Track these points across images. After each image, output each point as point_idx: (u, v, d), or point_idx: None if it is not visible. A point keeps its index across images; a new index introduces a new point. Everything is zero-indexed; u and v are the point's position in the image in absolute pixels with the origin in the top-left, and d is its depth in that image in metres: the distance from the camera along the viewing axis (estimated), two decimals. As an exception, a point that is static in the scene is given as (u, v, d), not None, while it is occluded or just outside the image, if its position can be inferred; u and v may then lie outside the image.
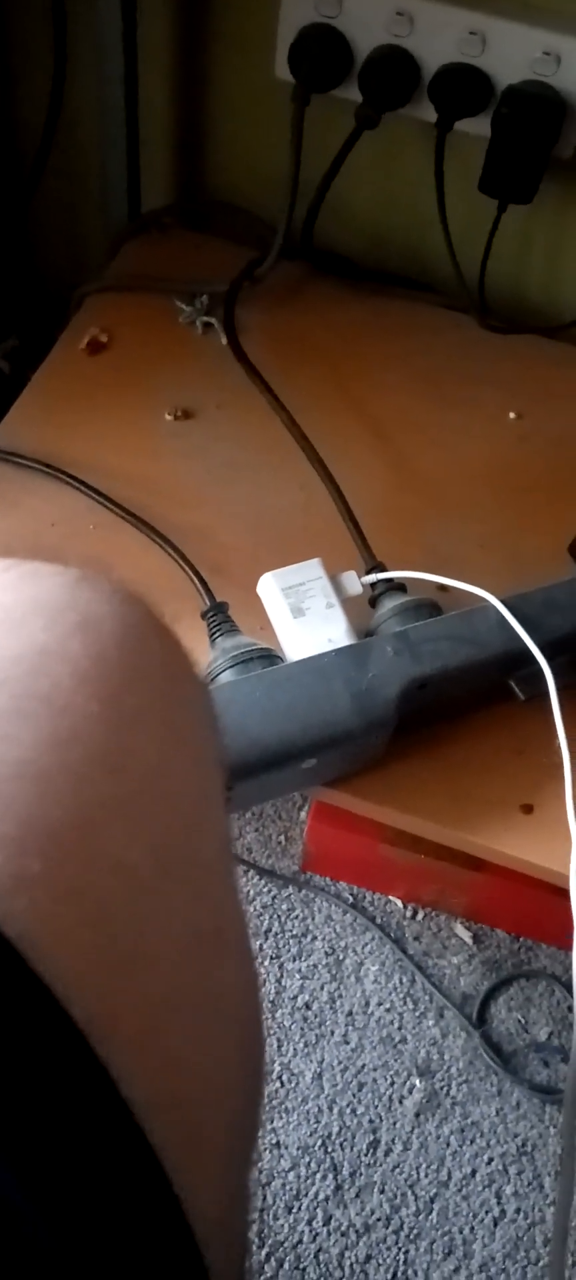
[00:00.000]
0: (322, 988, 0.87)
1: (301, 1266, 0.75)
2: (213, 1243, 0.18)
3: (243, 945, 0.25)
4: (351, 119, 0.79)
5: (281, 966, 0.87)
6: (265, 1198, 0.77)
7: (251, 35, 0.85)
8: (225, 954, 0.23)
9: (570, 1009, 0.87)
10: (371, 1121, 0.81)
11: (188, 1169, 0.18)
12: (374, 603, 0.64)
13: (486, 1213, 0.78)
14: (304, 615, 0.61)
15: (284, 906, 0.91)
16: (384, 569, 0.65)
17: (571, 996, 0.87)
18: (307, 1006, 0.86)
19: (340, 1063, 0.83)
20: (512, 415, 0.82)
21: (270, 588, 0.62)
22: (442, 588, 0.64)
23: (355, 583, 0.63)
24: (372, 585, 0.64)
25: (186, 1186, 0.17)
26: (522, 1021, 0.87)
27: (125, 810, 0.21)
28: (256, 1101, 0.25)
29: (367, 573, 0.64)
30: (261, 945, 0.88)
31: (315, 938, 0.89)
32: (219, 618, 0.62)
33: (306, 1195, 0.77)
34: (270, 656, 0.59)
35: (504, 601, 0.59)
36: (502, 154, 0.78)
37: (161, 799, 0.23)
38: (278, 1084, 0.82)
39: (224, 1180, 0.21)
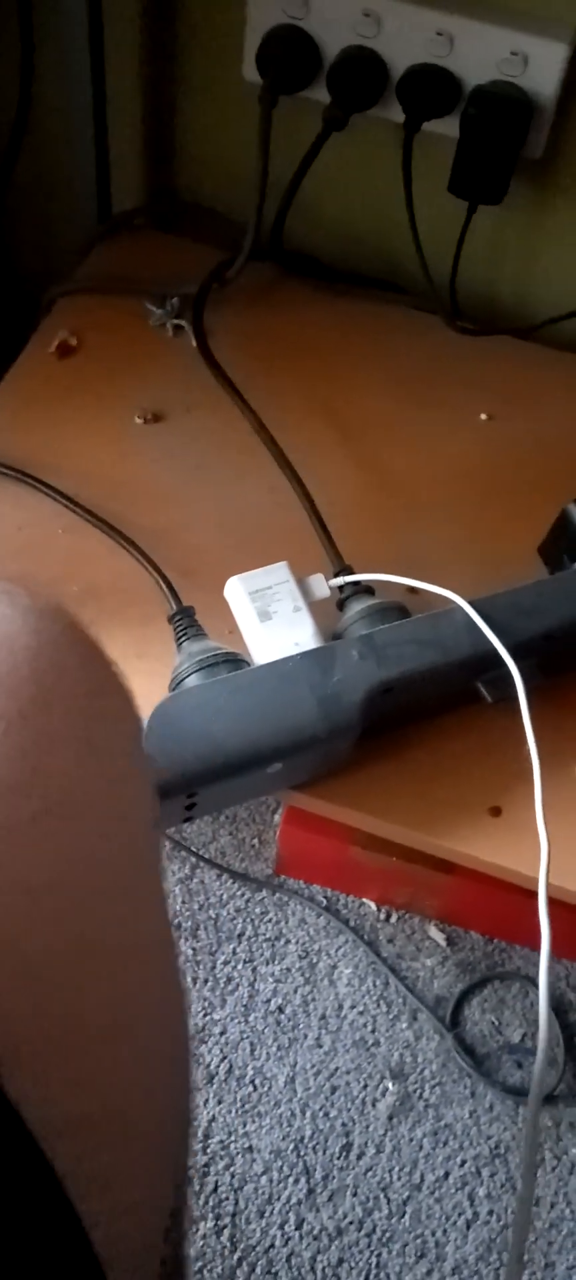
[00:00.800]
0: (296, 991, 0.86)
1: (273, 1271, 0.75)
2: (120, 1265, 0.18)
3: (165, 965, 0.25)
4: (320, 120, 0.79)
5: (254, 970, 0.87)
6: (237, 1202, 0.77)
7: (219, 37, 0.85)
8: (140, 976, 0.23)
9: (543, 1010, 0.87)
10: (344, 1125, 0.81)
11: (93, 1195, 0.17)
12: (342, 606, 0.64)
13: (459, 1215, 0.78)
14: (271, 619, 0.60)
15: (257, 910, 0.90)
16: (352, 572, 0.65)
17: (544, 997, 0.88)
18: (281, 1010, 0.85)
19: (313, 1066, 0.83)
20: (484, 416, 0.82)
21: (237, 591, 0.61)
22: (411, 590, 0.64)
23: (323, 586, 0.63)
24: (340, 588, 0.64)
25: (91, 1211, 0.17)
26: (496, 1023, 0.87)
27: (31, 832, 0.21)
28: (179, 1123, 0.24)
29: (335, 576, 0.64)
30: (235, 949, 0.88)
31: (288, 941, 0.89)
32: (185, 621, 0.62)
33: (278, 1199, 0.77)
34: (236, 660, 0.58)
35: (472, 604, 0.59)
36: (471, 155, 0.78)
37: (71, 819, 0.22)
38: (250, 1088, 0.81)
39: (138, 1204, 0.20)
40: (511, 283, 0.92)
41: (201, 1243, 0.75)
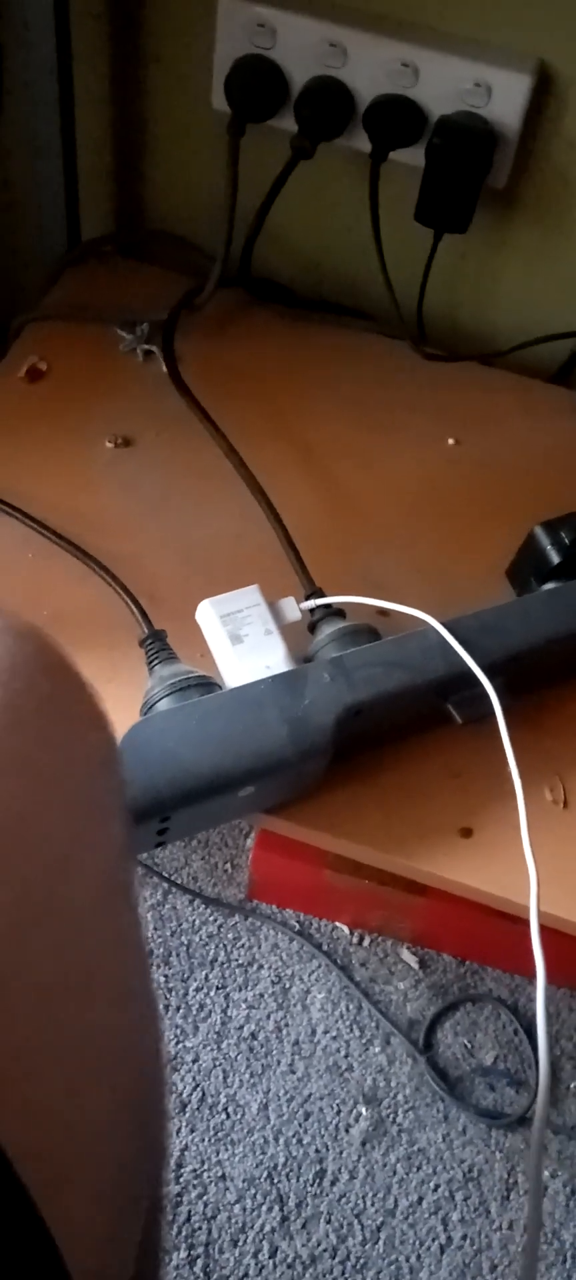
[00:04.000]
0: (269, 1017, 0.86)
1: (247, 1302, 0.74)
2: None
3: (128, 989, 0.25)
4: (287, 149, 0.80)
5: (227, 997, 0.87)
6: (211, 1231, 0.76)
7: (188, 66, 0.85)
8: (97, 1001, 0.23)
9: (515, 1032, 0.87)
10: (317, 1151, 0.80)
11: (54, 1218, 0.17)
12: (313, 629, 0.64)
13: (433, 1240, 0.78)
14: (242, 642, 0.60)
15: (230, 935, 0.90)
16: (322, 594, 0.65)
17: (516, 1020, 0.88)
18: (254, 1036, 0.85)
19: (286, 1093, 0.82)
20: (451, 441, 0.83)
21: (208, 615, 0.61)
22: (382, 612, 0.64)
23: (293, 609, 0.63)
24: (311, 611, 0.64)
25: (60, 1236, 0.17)
26: (469, 1046, 0.87)
27: None
28: (151, 1152, 0.24)
29: (306, 599, 0.64)
30: (207, 976, 0.88)
31: (261, 966, 0.89)
32: (156, 645, 0.62)
33: (252, 1228, 0.77)
34: (208, 684, 0.58)
35: (444, 624, 0.59)
36: (437, 184, 0.79)
37: (22, 846, 0.22)
38: (223, 1116, 0.81)
39: (101, 1227, 0.20)
40: (476, 309, 0.93)
41: (175, 1273, 0.74)
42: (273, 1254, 0.76)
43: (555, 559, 0.66)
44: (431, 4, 0.77)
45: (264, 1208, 0.78)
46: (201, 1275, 0.75)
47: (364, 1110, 0.82)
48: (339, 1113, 0.82)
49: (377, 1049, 0.86)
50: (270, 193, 0.82)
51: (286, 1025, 0.86)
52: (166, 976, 0.87)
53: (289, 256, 0.94)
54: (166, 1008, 0.85)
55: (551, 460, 0.82)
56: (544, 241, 0.87)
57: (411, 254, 0.85)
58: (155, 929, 0.89)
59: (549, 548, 0.66)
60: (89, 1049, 0.22)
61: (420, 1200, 0.79)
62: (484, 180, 0.80)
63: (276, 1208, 0.78)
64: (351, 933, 0.91)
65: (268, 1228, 0.77)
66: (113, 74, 0.89)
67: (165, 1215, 0.76)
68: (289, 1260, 0.76)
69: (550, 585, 0.66)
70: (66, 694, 0.27)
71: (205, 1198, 0.78)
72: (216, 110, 0.82)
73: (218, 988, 0.87)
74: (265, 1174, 0.79)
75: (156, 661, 0.61)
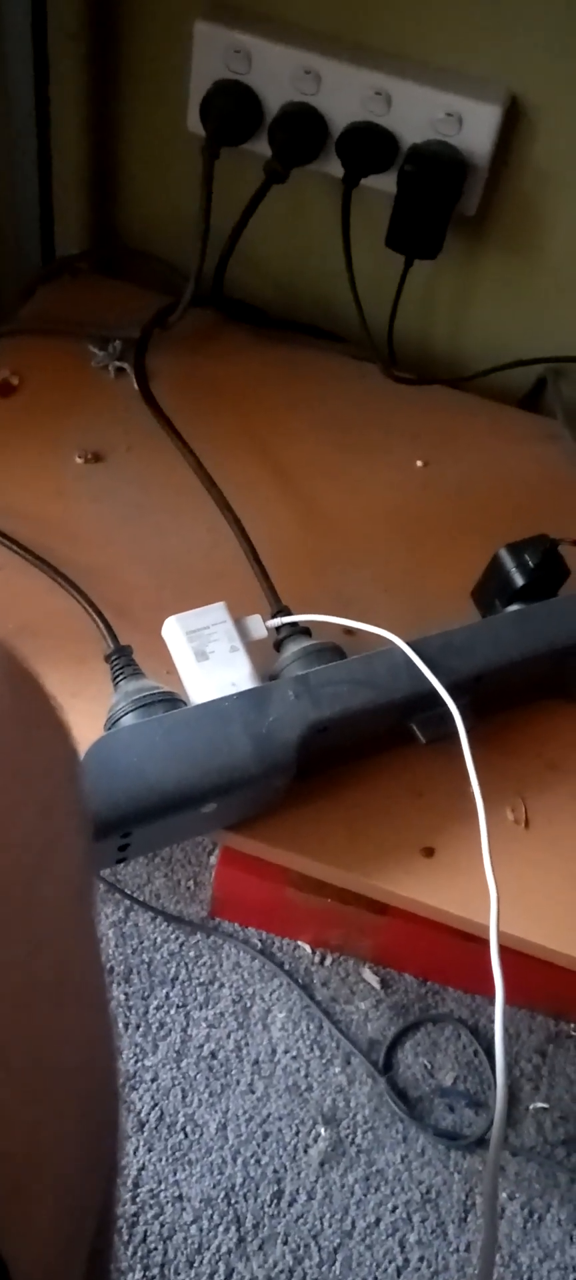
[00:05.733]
0: (229, 1036, 0.86)
1: (203, 1323, 0.74)
2: None
3: (94, 997, 0.25)
4: (261, 172, 0.81)
5: (188, 1015, 0.86)
6: (166, 1252, 0.76)
7: (164, 88, 0.86)
8: (66, 1006, 0.23)
9: (475, 1053, 0.88)
10: (276, 1172, 0.80)
11: (10, 1228, 0.17)
12: (279, 646, 0.64)
13: (389, 1262, 0.77)
14: (208, 659, 0.60)
15: (191, 954, 0.90)
16: (289, 612, 0.65)
17: (477, 1040, 0.88)
18: (213, 1055, 0.85)
19: (245, 1112, 0.82)
20: (419, 463, 0.84)
21: (174, 631, 0.62)
22: (348, 631, 0.65)
23: (260, 626, 0.63)
24: (278, 629, 0.64)
25: (9, 1245, 0.17)
26: (428, 1067, 0.87)
27: None
28: (100, 1156, 0.24)
29: (273, 616, 0.65)
30: (168, 994, 0.87)
31: (222, 985, 0.88)
32: (122, 660, 0.62)
33: (208, 1249, 0.76)
34: (173, 700, 0.58)
35: (409, 644, 0.59)
36: (408, 210, 0.80)
37: (1, 852, 0.22)
38: (181, 1135, 0.80)
39: (51, 1238, 0.20)
40: (445, 334, 0.94)
41: (130, 1294, 0.74)
42: (229, 1275, 0.75)
43: (519, 581, 0.66)
44: (404, 34, 0.78)
45: (220, 1228, 0.77)
46: (157, 1296, 0.74)
47: (323, 1131, 0.82)
48: (298, 1133, 0.82)
49: (338, 1069, 0.85)
50: (243, 215, 0.83)
51: (246, 1044, 0.86)
52: (127, 994, 0.87)
53: (263, 278, 0.94)
54: (126, 1025, 0.84)
55: (518, 483, 0.83)
56: (513, 269, 0.88)
57: (383, 278, 0.86)
58: (116, 946, 0.89)
59: (513, 570, 0.67)
60: (56, 1053, 0.22)
61: (378, 1221, 0.79)
62: (454, 208, 0.81)
63: (233, 1228, 0.77)
64: (313, 952, 0.91)
65: (224, 1249, 0.76)
66: (89, 93, 0.89)
67: (119, 1235, 0.75)
68: (245, 1281, 0.75)
69: (514, 607, 0.67)
70: (30, 706, 0.27)
71: (161, 1218, 0.77)
72: (191, 132, 0.83)
73: (178, 1006, 0.87)
74: (222, 1194, 0.78)
75: (121, 677, 0.61)
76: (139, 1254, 0.75)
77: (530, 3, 0.75)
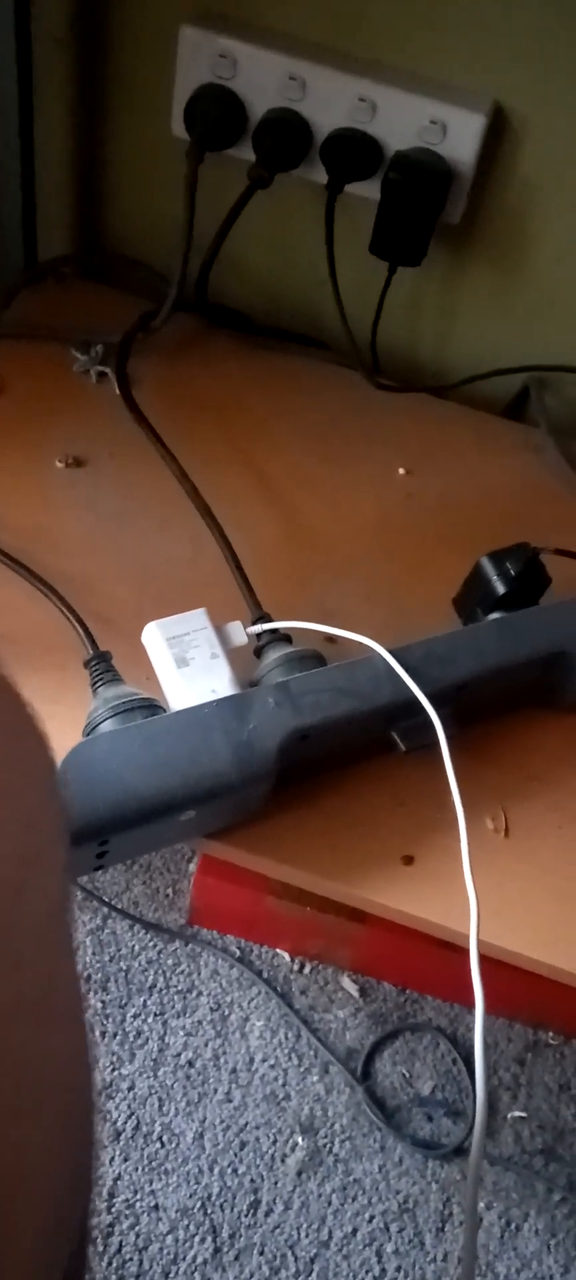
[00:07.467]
0: (207, 1044, 0.85)
1: (179, 1334, 0.73)
2: None
3: (73, 1015, 0.24)
4: (245, 178, 0.81)
5: (165, 1024, 0.86)
6: (142, 1263, 0.75)
7: (148, 92, 0.86)
8: (50, 1024, 0.23)
9: (454, 1062, 0.88)
10: (252, 1181, 0.79)
11: None
12: (259, 653, 0.64)
13: (367, 1272, 0.77)
14: (188, 665, 0.60)
15: (169, 962, 0.89)
16: (269, 619, 0.65)
17: (455, 1049, 0.88)
18: (191, 1064, 0.84)
19: (222, 1121, 0.82)
20: (402, 471, 0.84)
21: (154, 637, 0.61)
22: (330, 638, 0.64)
23: (240, 633, 0.63)
24: (258, 636, 0.64)
25: None
26: (407, 1075, 0.87)
27: None
28: (78, 1171, 0.24)
29: (253, 623, 0.65)
30: (145, 1002, 0.87)
31: (200, 993, 0.88)
32: (101, 666, 0.61)
33: (184, 1259, 0.76)
34: (152, 706, 0.58)
35: (391, 652, 0.59)
36: (392, 218, 0.80)
37: None
38: (158, 1145, 0.80)
39: (31, 1255, 0.20)
40: (429, 342, 0.94)
41: (105, 1305, 0.73)
42: (205, 1286, 0.75)
43: (500, 589, 0.66)
44: (390, 42, 0.78)
45: (197, 1239, 0.77)
46: (132, 1307, 0.74)
47: (300, 1140, 0.82)
48: (275, 1142, 0.82)
49: (316, 1078, 0.85)
50: (226, 220, 0.83)
51: (224, 1053, 0.85)
52: (104, 1002, 0.86)
53: (247, 284, 0.94)
54: (103, 1034, 0.84)
55: (501, 492, 0.83)
56: (496, 277, 0.88)
57: (367, 285, 0.86)
58: (93, 954, 0.88)
59: (495, 578, 0.67)
60: (40, 1071, 0.21)
61: (355, 1231, 0.79)
62: (438, 216, 0.81)
63: (209, 1239, 0.77)
64: (292, 960, 0.91)
65: (200, 1259, 0.76)
66: (73, 97, 0.88)
67: (94, 1246, 0.75)
68: (222, 1292, 0.75)
69: (496, 615, 0.67)
70: (12, 716, 0.26)
71: (137, 1228, 0.77)
72: (176, 137, 0.83)
73: (156, 1014, 0.86)
74: (199, 1204, 0.78)
75: (100, 683, 0.60)
76: (114, 1264, 0.75)
77: (516, 14, 0.75)
